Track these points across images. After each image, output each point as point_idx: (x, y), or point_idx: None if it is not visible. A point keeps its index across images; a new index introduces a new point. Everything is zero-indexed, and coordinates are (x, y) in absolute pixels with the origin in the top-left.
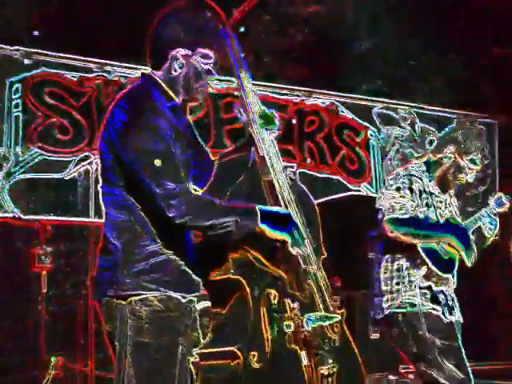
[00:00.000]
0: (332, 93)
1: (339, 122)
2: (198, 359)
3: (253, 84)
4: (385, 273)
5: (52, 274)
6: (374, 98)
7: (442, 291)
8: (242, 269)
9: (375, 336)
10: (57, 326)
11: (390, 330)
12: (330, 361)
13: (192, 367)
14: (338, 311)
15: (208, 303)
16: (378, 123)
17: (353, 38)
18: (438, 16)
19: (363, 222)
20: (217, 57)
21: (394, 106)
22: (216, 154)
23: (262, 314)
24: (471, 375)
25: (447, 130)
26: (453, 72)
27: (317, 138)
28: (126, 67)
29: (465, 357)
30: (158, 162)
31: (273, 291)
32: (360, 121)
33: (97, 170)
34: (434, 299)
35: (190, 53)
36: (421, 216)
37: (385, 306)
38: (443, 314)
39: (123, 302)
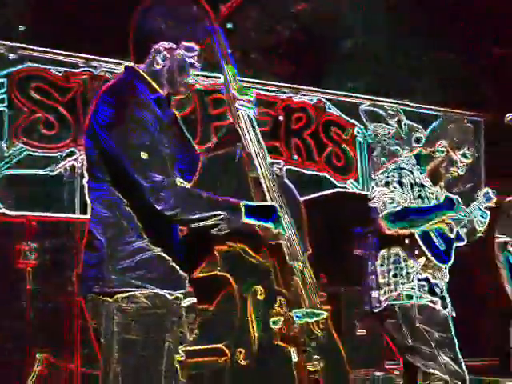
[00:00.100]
0: (319, 90)
1: (326, 119)
2: (184, 357)
3: (240, 81)
4: (381, 265)
5: (37, 270)
6: (360, 95)
7: (437, 284)
8: (230, 264)
9: (361, 332)
10: (42, 323)
11: (384, 323)
12: (316, 357)
13: (177, 364)
14: (324, 307)
15: (194, 300)
16: (364, 120)
17: (340, 35)
18: (433, 15)
19: (349, 218)
20: (201, 49)
21: (381, 104)
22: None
23: (249, 310)
24: (465, 368)
25: (435, 125)
26: (452, 72)
27: (304, 134)
28: (112, 62)
29: (458, 350)
30: (144, 155)
31: (260, 288)
32: (347, 118)
33: (82, 165)
34: (432, 291)
35: (173, 46)
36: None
37: (382, 298)
38: (442, 306)
39: (109, 300)
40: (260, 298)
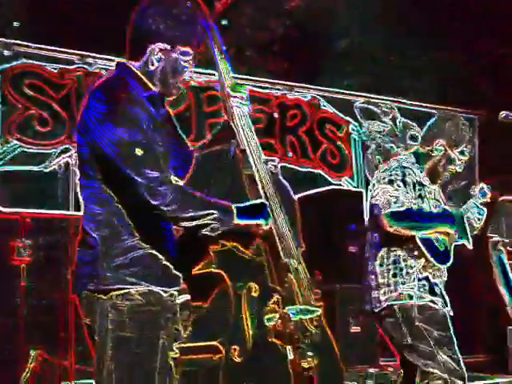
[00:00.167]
0: (314, 87)
1: (321, 116)
2: (178, 354)
3: (234, 77)
4: (381, 265)
5: (31, 266)
6: (355, 93)
7: (436, 283)
8: (224, 261)
9: (356, 329)
10: (36, 320)
11: (383, 322)
12: (310, 354)
13: (171, 361)
14: (318, 304)
15: (188, 297)
16: (359, 117)
17: (335, 32)
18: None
19: (344, 216)
20: (196, 52)
21: (376, 101)
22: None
23: (243, 307)
24: (464, 367)
25: (431, 123)
26: (451, 71)
27: (299, 131)
28: (107, 59)
29: (457, 348)
30: (139, 152)
31: (254, 285)
32: (342, 115)
33: (76, 162)
34: (432, 291)
35: (169, 47)
36: (414, 207)
37: (382, 298)
38: (442, 305)
39: (104, 297)
40: (254, 295)
